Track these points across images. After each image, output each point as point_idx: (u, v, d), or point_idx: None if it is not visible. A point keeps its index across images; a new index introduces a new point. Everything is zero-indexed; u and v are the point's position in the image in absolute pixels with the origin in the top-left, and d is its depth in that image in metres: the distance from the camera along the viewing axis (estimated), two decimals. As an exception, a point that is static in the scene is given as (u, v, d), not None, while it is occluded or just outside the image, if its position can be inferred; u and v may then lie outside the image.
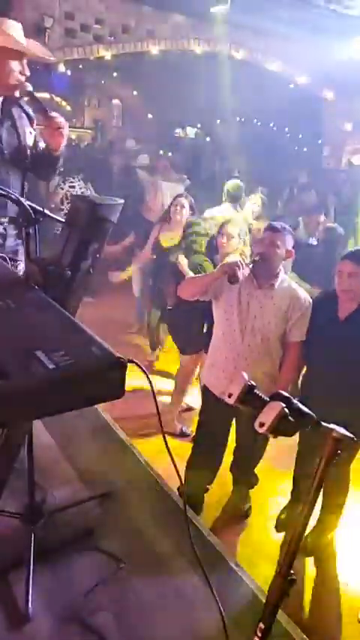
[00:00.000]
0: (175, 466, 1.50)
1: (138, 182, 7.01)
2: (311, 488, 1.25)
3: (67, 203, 5.87)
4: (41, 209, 1.77)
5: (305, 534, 1.31)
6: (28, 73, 2.33)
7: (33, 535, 1.94)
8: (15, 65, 2.29)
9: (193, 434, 3.22)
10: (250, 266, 2.74)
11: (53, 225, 2.20)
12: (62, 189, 5.99)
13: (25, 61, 2.32)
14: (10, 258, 2.28)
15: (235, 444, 3.10)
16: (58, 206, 5.92)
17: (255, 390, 1.31)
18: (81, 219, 1.55)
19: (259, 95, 8.11)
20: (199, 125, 13.55)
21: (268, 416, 1.24)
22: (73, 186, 6.02)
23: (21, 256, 2.50)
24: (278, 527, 3.01)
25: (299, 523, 1.26)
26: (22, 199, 1.68)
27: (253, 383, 1.31)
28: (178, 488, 2.42)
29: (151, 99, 11.93)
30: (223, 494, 3.19)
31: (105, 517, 2.28)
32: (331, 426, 1.25)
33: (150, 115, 12.69)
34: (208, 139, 12.25)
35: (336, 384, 2.56)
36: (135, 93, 12.41)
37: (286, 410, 1.24)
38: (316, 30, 6.65)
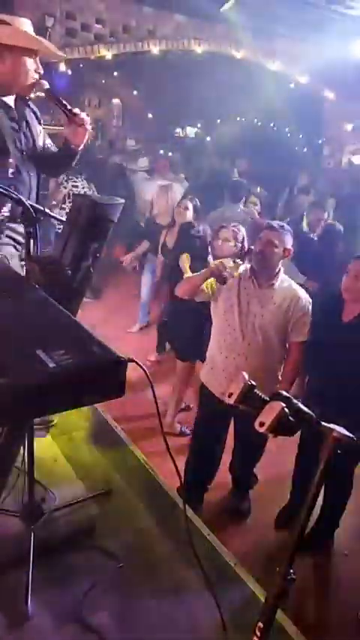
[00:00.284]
0: (175, 466, 1.50)
1: (135, 183, 7.03)
2: (311, 487, 1.25)
3: (69, 202, 5.88)
4: (42, 208, 1.77)
5: (305, 533, 1.31)
6: (42, 71, 2.29)
7: (32, 534, 1.94)
8: (30, 64, 2.25)
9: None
10: (249, 266, 2.74)
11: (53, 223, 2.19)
12: (65, 187, 6.00)
13: (37, 59, 2.28)
14: None
15: (234, 444, 3.10)
16: (60, 204, 5.94)
17: (255, 390, 1.31)
18: (82, 218, 1.55)
19: (260, 95, 8.09)
20: (199, 125, 13.54)
21: (268, 415, 1.24)
22: (76, 186, 6.03)
23: None
24: (278, 526, 3.01)
25: (299, 523, 1.26)
26: (23, 198, 1.69)
27: (253, 382, 1.31)
28: (177, 488, 2.42)
29: (151, 99, 11.91)
30: (223, 495, 3.19)
31: (104, 516, 2.28)
32: (331, 425, 1.25)
33: (150, 115, 12.68)
34: (208, 138, 12.24)
35: (340, 387, 2.54)
36: (135, 93, 12.39)
37: (286, 410, 1.24)
38: (317, 30, 6.63)
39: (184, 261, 3.77)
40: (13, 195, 1.70)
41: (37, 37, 2.29)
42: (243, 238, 3.28)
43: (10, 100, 2.32)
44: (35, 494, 2.04)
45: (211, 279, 2.77)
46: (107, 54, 6.66)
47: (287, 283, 2.78)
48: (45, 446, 2.65)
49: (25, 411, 1.08)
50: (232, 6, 6.24)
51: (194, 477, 2.96)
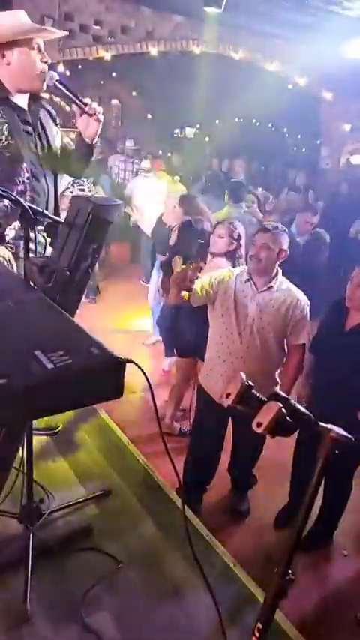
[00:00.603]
0: (173, 466, 1.50)
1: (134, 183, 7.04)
2: (309, 488, 1.25)
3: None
4: (41, 210, 1.77)
5: (304, 534, 1.32)
6: (48, 60, 2.20)
7: (31, 535, 1.94)
8: (34, 53, 2.18)
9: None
10: (247, 268, 2.73)
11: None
12: (72, 192, 5.98)
13: (42, 46, 2.19)
14: None
15: (232, 445, 3.10)
16: (67, 208, 5.90)
17: (253, 391, 1.31)
18: (80, 219, 1.55)
19: (258, 96, 8.09)
20: (198, 125, 13.54)
21: (265, 416, 1.24)
22: (83, 189, 6.01)
23: None
24: (277, 527, 3.01)
25: (298, 523, 1.27)
26: (22, 200, 1.69)
27: (250, 383, 1.31)
28: (176, 489, 2.42)
29: (150, 99, 11.92)
30: (222, 495, 3.19)
31: (103, 517, 2.28)
32: (329, 426, 1.25)
33: (149, 116, 12.67)
34: (207, 139, 12.25)
35: (342, 394, 2.54)
36: (134, 93, 12.40)
37: (284, 410, 1.24)
38: (315, 31, 6.63)
39: (176, 263, 3.76)
40: (12, 197, 1.71)
41: (35, 24, 2.22)
42: (239, 236, 3.27)
43: (23, 102, 2.27)
44: (34, 496, 2.05)
45: (205, 282, 2.72)
46: (106, 55, 6.66)
47: (286, 285, 2.74)
48: (44, 447, 2.65)
49: (23, 412, 1.08)
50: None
51: (193, 477, 2.96)
